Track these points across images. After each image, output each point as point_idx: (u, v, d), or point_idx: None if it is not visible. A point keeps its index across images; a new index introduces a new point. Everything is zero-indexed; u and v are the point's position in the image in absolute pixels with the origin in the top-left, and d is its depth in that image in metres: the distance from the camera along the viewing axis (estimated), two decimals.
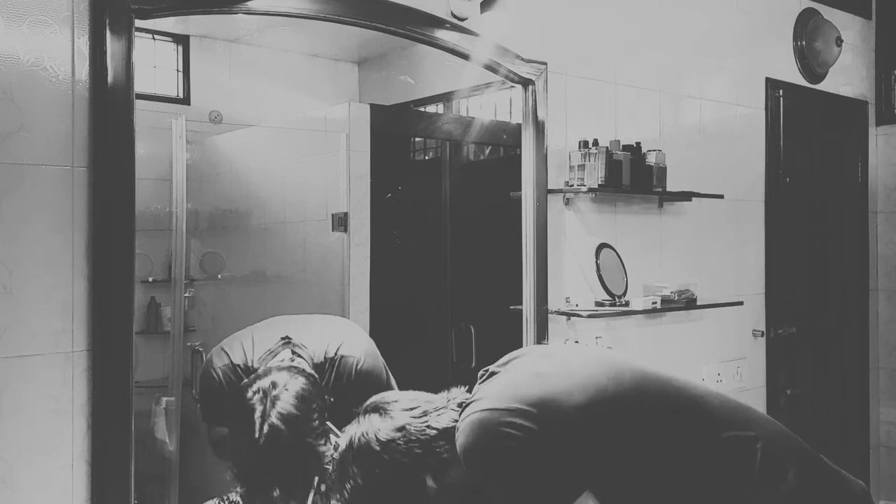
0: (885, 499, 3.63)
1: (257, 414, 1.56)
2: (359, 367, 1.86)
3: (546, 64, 2.32)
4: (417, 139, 2.78)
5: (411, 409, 1.28)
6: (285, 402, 1.57)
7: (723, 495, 1.13)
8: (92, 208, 1.57)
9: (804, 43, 3.30)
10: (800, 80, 3.33)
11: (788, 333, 3.30)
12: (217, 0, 1.76)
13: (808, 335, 3.43)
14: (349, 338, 1.92)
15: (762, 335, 3.16)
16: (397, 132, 2.67)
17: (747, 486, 1.14)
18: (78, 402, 1.56)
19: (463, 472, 1.21)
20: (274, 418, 1.55)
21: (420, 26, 2.05)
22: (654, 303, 2.52)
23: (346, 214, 2.34)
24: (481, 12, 2.15)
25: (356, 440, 1.26)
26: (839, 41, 3.37)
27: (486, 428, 1.12)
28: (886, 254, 3.71)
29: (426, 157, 2.84)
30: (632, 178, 2.48)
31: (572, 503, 1.05)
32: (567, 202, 2.44)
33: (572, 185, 2.39)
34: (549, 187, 2.34)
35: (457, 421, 1.24)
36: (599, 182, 2.38)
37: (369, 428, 1.26)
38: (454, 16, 2.13)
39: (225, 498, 1.83)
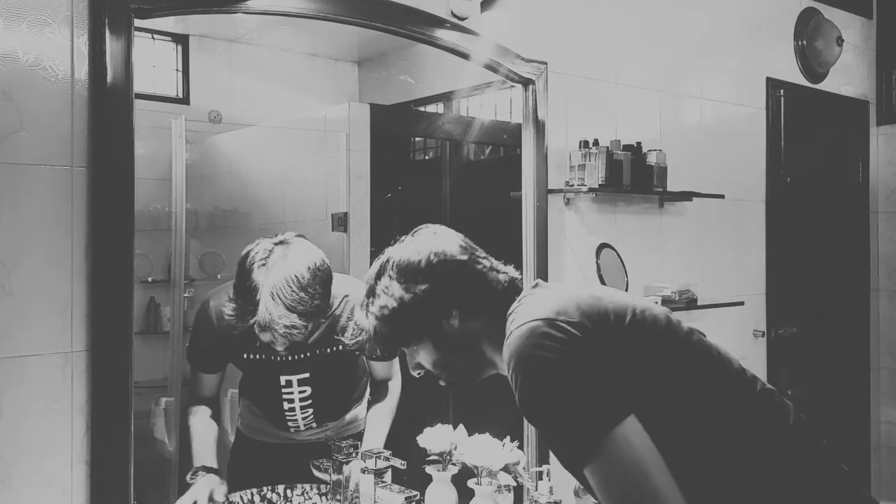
0: (885, 499, 3.63)
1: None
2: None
3: (546, 64, 2.31)
4: (417, 139, 2.78)
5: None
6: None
7: (761, 447, 1.13)
8: (91, 208, 1.57)
9: (805, 42, 3.29)
10: (800, 79, 3.33)
11: (789, 333, 3.29)
12: (217, 0, 1.75)
13: (808, 335, 3.43)
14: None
15: (763, 335, 3.16)
16: (397, 132, 2.67)
17: (783, 440, 1.15)
18: (77, 402, 1.56)
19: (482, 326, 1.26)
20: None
21: (420, 26, 2.05)
22: (654, 302, 2.51)
23: (346, 214, 2.34)
24: (481, 12, 2.15)
25: (400, 257, 1.31)
26: (840, 41, 3.37)
27: (538, 334, 1.10)
28: (887, 254, 3.71)
29: (426, 157, 2.84)
30: (632, 177, 2.48)
31: (618, 425, 1.03)
32: (567, 202, 2.44)
33: (573, 185, 2.39)
34: (550, 187, 2.33)
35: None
36: (600, 182, 2.38)
37: (412, 250, 1.31)
38: (454, 15, 2.12)
39: (224, 498, 1.83)
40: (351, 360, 1.98)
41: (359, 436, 2.07)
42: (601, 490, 1.05)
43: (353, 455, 1.83)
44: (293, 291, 1.63)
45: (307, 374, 1.89)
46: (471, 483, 1.85)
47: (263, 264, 1.66)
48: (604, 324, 1.12)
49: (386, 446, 1.90)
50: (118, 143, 1.57)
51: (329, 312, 1.83)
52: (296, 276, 1.64)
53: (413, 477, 1.87)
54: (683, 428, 1.11)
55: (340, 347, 1.86)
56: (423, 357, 1.33)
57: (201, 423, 1.89)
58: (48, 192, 1.53)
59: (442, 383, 1.35)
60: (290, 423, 1.97)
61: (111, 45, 1.55)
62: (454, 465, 1.85)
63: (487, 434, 1.86)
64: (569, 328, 1.09)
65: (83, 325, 1.56)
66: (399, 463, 1.81)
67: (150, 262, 2.21)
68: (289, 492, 1.90)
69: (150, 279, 2.22)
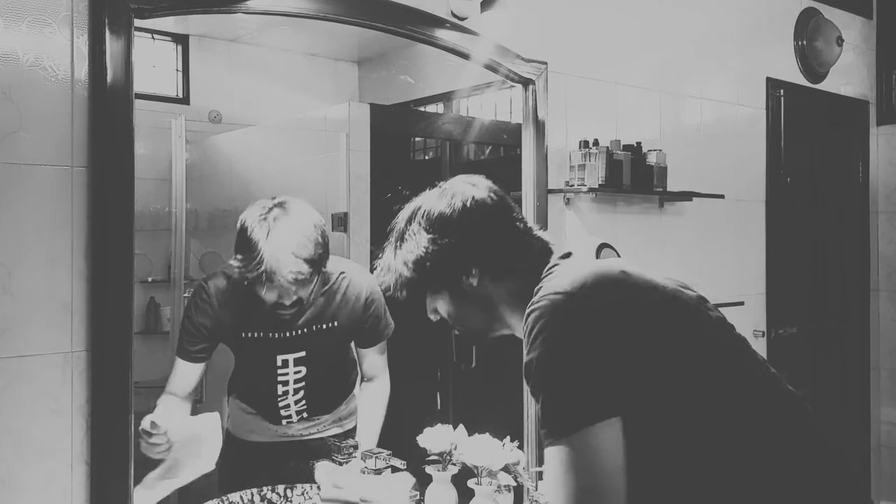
0: (885, 499, 3.63)
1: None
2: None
3: (546, 64, 2.31)
4: (417, 139, 2.78)
5: None
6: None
7: (780, 444, 1.13)
8: (91, 208, 1.57)
9: (805, 42, 3.29)
10: (800, 79, 3.33)
11: (789, 334, 3.29)
12: (217, 0, 1.75)
13: (808, 335, 3.43)
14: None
15: (763, 335, 3.16)
16: (397, 132, 2.67)
17: (803, 439, 1.16)
18: (77, 402, 1.56)
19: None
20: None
21: (420, 26, 2.05)
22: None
23: (346, 214, 2.34)
24: (481, 12, 2.15)
25: (431, 206, 1.32)
26: (840, 41, 3.37)
27: (561, 309, 1.10)
28: (887, 254, 3.71)
29: (426, 157, 2.84)
30: (632, 177, 2.48)
31: (596, 423, 1.02)
32: (567, 202, 2.44)
33: (573, 185, 2.39)
34: (550, 187, 2.33)
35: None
36: (600, 182, 2.37)
37: (445, 202, 1.31)
38: (454, 15, 2.12)
39: (224, 499, 1.83)
40: (343, 343, 2.00)
41: (350, 433, 2.08)
42: (549, 473, 1.06)
43: (353, 455, 1.83)
44: (298, 237, 1.71)
45: (303, 353, 1.91)
46: (471, 483, 1.85)
47: (264, 218, 1.71)
48: (629, 305, 1.12)
49: (383, 445, 1.90)
50: (118, 143, 1.57)
51: (326, 287, 1.88)
52: (300, 224, 1.72)
53: (413, 477, 1.87)
54: (701, 417, 1.10)
55: (336, 324, 1.91)
56: (441, 306, 1.34)
57: (169, 408, 1.82)
58: (48, 192, 1.53)
59: (455, 333, 1.37)
60: (282, 413, 1.97)
61: (111, 45, 1.55)
62: (454, 465, 1.85)
63: (487, 434, 1.86)
64: (591, 309, 1.10)
65: (83, 325, 1.56)
66: (399, 463, 1.81)
67: (150, 262, 2.21)
68: (289, 492, 1.90)
69: (150, 279, 2.22)
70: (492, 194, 1.33)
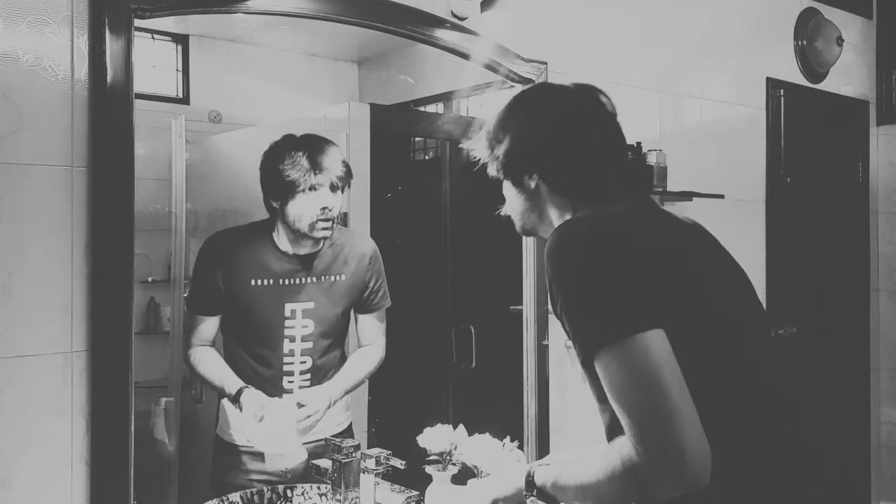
0: (885, 499, 3.63)
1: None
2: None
3: (546, 64, 2.31)
4: (417, 139, 2.78)
5: None
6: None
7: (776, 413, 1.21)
8: (91, 208, 1.57)
9: (805, 42, 3.29)
10: (800, 79, 3.33)
11: (789, 334, 3.29)
12: (217, 0, 1.75)
13: (808, 335, 3.43)
14: None
15: None
16: (397, 132, 2.67)
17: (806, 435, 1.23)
18: (77, 402, 1.56)
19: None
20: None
21: (420, 26, 2.05)
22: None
23: (345, 214, 2.34)
24: (481, 12, 2.15)
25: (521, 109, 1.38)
26: (840, 41, 3.37)
27: (604, 227, 1.20)
28: (887, 254, 3.71)
29: (426, 157, 2.84)
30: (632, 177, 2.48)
31: (646, 331, 1.07)
32: None
33: None
34: None
35: None
36: None
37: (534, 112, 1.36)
38: (454, 15, 2.12)
39: (224, 499, 1.83)
40: (347, 303, 2.06)
41: (347, 432, 2.09)
42: (612, 384, 1.09)
43: (353, 455, 1.83)
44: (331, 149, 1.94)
45: (311, 304, 1.97)
46: (471, 483, 1.85)
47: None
48: (661, 232, 1.24)
49: (384, 445, 1.90)
50: (118, 143, 1.57)
51: (332, 242, 2.02)
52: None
53: (413, 477, 1.87)
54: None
55: (342, 278, 2.02)
56: (505, 191, 1.43)
57: (209, 355, 1.97)
58: (48, 192, 1.53)
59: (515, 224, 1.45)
60: (286, 376, 1.98)
61: (111, 45, 1.55)
62: (454, 465, 1.85)
63: (487, 434, 1.86)
64: (632, 235, 1.18)
65: (83, 325, 1.56)
66: (399, 463, 1.81)
67: (150, 262, 2.21)
68: (289, 492, 1.90)
69: (150, 279, 2.22)
70: (588, 99, 1.37)
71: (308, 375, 2.02)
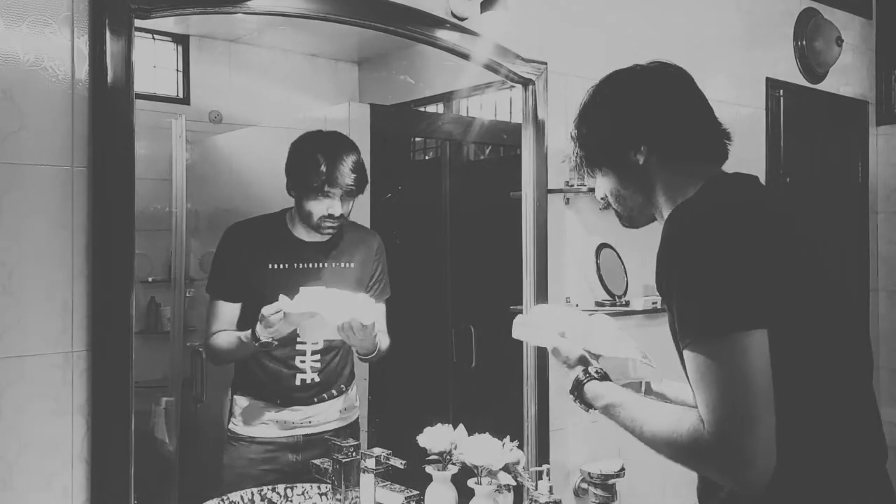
0: None
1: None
2: None
3: (546, 64, 2.31)
4: (417, 139, 2.78)
5: None
6: None
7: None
8: (92, 208, 1.57)
9: (804, 43, 3.29)
10: (800, 79, 3.33)
11: None
12: (217, 0, 1.75)
13: None
14: None
15: None
16: (397, 132, 2.67)
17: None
18: (77, 402, 1.56)
19: None
20: None
21: (420, 26, 2.05)
22: (654, 303, 2.51)
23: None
24: (481, 12, 2.15)
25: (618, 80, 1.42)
26: (839, 41, 3.37)
27: (731, 214, 1.20)
28: (887, 254, 3.71)
29: (426, 157, 2.84)
30: None
31: (751, 329, 1.08)
32: (567, 202, 2.44)
33: (573, 185, 2.39)
34: (550, 187, 2.33)
35: None
36: None
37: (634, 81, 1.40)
38: (454, 15, 2.13)
39: (224, 498, 1.83)
40: (357, 282, 2.12)
41: (353, 426, 2.10)
42: (700, 373, 1.09)
43: (353, 454, 1.83)
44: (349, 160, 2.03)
45: (323, 287, 1.99)
46: (471, 483, 1.85)
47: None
48: (774, 227, 1.20)
49: (384, 445, 1.90)
50: (118, 143, 1.57)
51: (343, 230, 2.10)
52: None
53: (413, 477, 1.87)
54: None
55: (352, 265, 2.11)
56: (604, 184, 1.39)
57: (225, 332, 2.02)
58: (48, 192, 1.53)
59: (618, 216, 1.46)
60: (298, 355, 2.03)
61: (111, 46, 1.55)
62: (454, 464, 1.86)
63: (487, 434, 1.86)
64: (752, 226, 1.16)
65: (83, 325, 1.56)
66: (399, 463, 1.81)
67: (150, 262, 2.22)
68: (289, 491, 1.90)
69: (150, 279, 2.22)
70: (672, 68, 1.37)
71: (318, 356, 2.06)
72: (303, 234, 2.07)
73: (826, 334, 1.20)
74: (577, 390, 1.41)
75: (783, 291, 1.13)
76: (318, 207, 2.00)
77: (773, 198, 1.32)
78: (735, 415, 1.05)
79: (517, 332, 1.68)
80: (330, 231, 2.04)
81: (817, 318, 1.19)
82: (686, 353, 1.12)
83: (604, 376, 1.41)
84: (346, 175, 2.00)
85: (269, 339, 1.89)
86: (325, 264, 2.08)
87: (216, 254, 2.07)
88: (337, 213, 2.01)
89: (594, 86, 1.42)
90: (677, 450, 1.13)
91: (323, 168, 1.97)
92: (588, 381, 1.40)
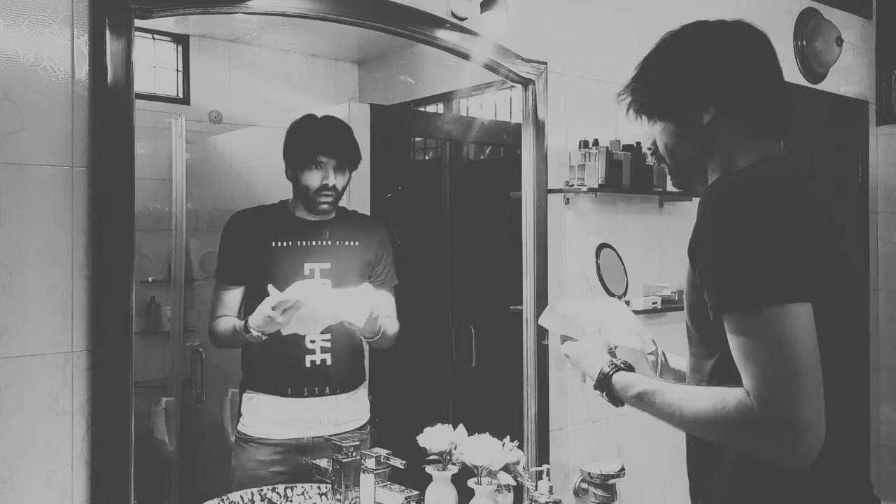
0: (885, 499, 3.62)
1: None
2: None
3: (546, 64, 2.31)
4: (417, 139, 2.78)
5: None
6: None
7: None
8: (92, 208, 1.57)
9: (804, 43, 3.29)
10: (800, 79, 3.33)
11: None
12: (217, 0, 1.75)
13: None
14: None
15: None
16: (397, 132, 2.67)
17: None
18: (78, 402, 1.56)
19: None
20: None
21: (420, 26, 2.05)
22: (654, 303, 2.51)
23: None
24: (481, 12, 2.15)
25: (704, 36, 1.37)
26: (839, 41, 3.37)
27: (787, 191, 1.20)
28: (887, 254, 3.71)
29: (426, 157, 2.84)
30: (632, 178, 2.48)
31: (796, 303, 1.07)
32: (567, 202, 2.44)
33: (572, 185, 2.39)
34: (550, 187, 2.33)
35: None
36: (600, 182, 2.38)
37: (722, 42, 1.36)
38: (454, 15, 2.13)
39: (224, 498, 1.83)
40: (362, 269, 2.13)
41: (363, 429, 2.10)
42: (745, 346, 1.08)
43: (353, 455, 1.83)
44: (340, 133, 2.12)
45: (328, 264, 2.05)
46: (471, 483, 1.85)
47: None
48: (822, 217, 1.19)
49: (384, 445, 1.90)
50: (118, 143, 1.57)
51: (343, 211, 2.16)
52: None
53: (413, 477, 1.87)
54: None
55: (357, 244, 2.13)
56: (661, 137, 1.35)
57: (227, 318, 2.04)
58: (49, 192, 1.53)
59: (665, 171, 1.42)
60: (307, 346, 2.03)
61: (111, 46, 1.56)
62: (454, 464, 1.86)
63: (487, 434, 1.86)
64: (799, 200, 1.16)
65: (83, 325, 1.57)
66: (399, 463, 1.81)
67: (150, 262, 2.22)
68: (289, 492, 1.90)
69: (150, 279, 2.22)
70: (756, 31, 1.34)
71: (328, 335, 2.06)
72: (304, 212, 2.10)
73: (849, 320, 1.20)
74: (605, 383, 1.36)
75: (825, 270, 1.13)
76: (313, 179, 2.04)
77: (818, 184, 1.30)
78: (785, 388, 1.04)
79: (545, 319, 1.66)
80: (326, 204, 2.06)
81: (846, 301, 1.19)
82: (729, 325, 1.10)
83: (629, 367, 1.38)
84: (338, 144, 2.07)
85: (259, 334, 1.91)
86: (329, 242, 2.10)
87: (221, 240, 2.08)
88: (331, 184, 2.05)
89: (672, 32, 1.37)
90: (725, 428, 1.11)
91: (315, 135, 2.07)
92: (614, 371, 1.36)
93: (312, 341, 2.05)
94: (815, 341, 1.07)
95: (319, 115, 2.16)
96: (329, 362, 2.06)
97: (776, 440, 1.06)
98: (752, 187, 1.16)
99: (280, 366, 2.05)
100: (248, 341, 1.94)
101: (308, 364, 2.04)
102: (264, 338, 1.92)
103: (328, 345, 2.06)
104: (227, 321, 2.02)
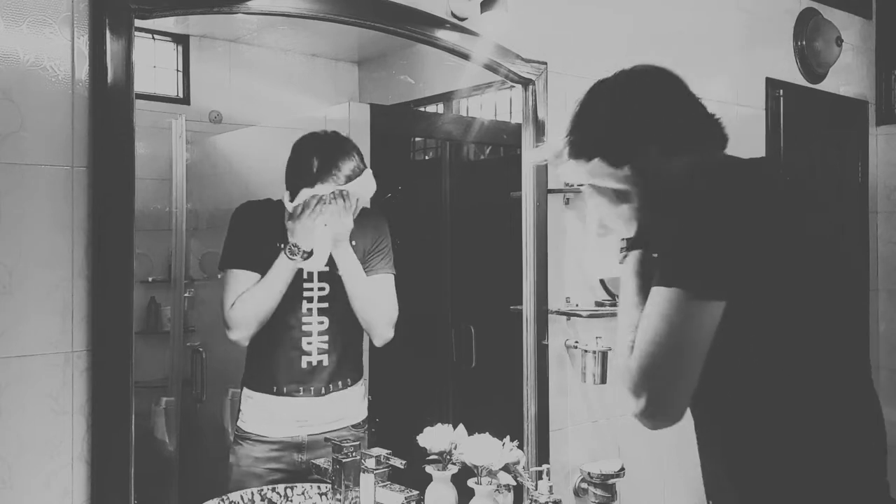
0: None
1: None
2: None
3: (546, 64, 2.31)
4: (417, 139, 2.78)
5: None
6: None
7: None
8: (92, 208, 1.57)
9: (804, 43, 3.30)
10: (800, 80, 3.33)
11: None
12: (217, 0, 1.75)
13: None
14: None
15: None
16: (397, 132, 2.67)
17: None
18: (78, 402, 1.57)
19: None
20: None
21: (420, 26, 2.05)
22: None
23: None
24: (481, 12, 2.15)
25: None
26: (839, 41, 3.37)
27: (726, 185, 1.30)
28: (886, 254, 3.71)
29: (426, 157, 2.84)
30: None
31: (708, 301, 1.14)
32: (567, 202, 2.44)
33: (573, 185, 2.39)
34: (550, 187, 2.33)
35: None
36: None
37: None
38: (454, 15, 2.13)
39: (225, 498, 1.84)
40: (360, 260, 2.12)
41: (360, 426, 2.10)
42: (653, 317, 1.17)
43: (353, 454, 1.83)
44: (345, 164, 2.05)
45: (327, 267, 2.04)
46: (471, 482, 1.85)
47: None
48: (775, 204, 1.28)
49: (384, 445, 1.90)
50: (118, 143, 1.58)
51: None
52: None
53: (413, 477, 1.87)
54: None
55: (354, 243, 2.09)
56: (594, 201, 1.51)
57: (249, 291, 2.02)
58: (49, 192, 1.54)
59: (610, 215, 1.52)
60: (304, 336, 2.03)
61: (111, 46, 1.56)
62: (454, 464, 1.86)
63: (487, 434, 1.86)
64: (752, 197, 1.25)
65: (83, 325, 1.57)
66: (399, 463, 1.81)
67: (150, 262, 2.21)
68: (289, 491, 1.90)
69: (150, 279, 2.22)
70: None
71: (326, 337, 2.06)
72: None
73: (812, 323, 1.21)
74: None
75: (763, 268, 1.17)
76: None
77: (785, 185, 1.37)
78: (658, 362, 1.14)
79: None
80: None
81: (803, 304, 1.22)
82: (654, 289, 1.19)
83: None
84: (343, 173, 2.03)
85: (294, 249, 1.96)
86: None
87: (229, 227, 2.08)
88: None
89: (587, 92, 1.52)
90: (618, 356, 1.25)
91: (314, 169, 2.00)
92: None
93: (310, 343, 2.06)
94: (707, 340, 1.14)
95: (324, 123, 2.18)
96: (325, 363, 2.07)
97: (632, 393, 1.18)
98: (725, 181, 1.29)
99: (277, 365, 2.06)
100: (295, 263, 1.98)
101: (304, 365, 2.05)
102: (305, 254, 1.97)
103: (325, 345, 2.07)
104: (255, 286, 2.01)
